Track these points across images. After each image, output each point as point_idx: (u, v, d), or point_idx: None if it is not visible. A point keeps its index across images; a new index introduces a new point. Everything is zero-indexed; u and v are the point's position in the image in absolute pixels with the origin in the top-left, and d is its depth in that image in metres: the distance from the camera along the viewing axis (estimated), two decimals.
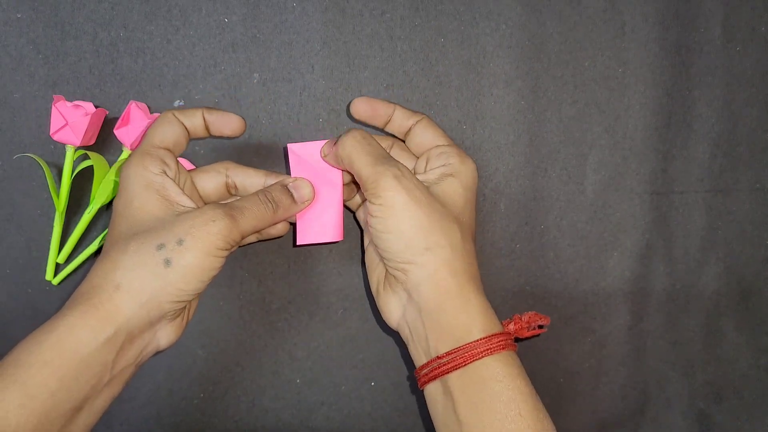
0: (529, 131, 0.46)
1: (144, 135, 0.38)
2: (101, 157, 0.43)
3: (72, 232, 0.44)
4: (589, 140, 0.47)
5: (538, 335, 0.41)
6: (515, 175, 0.46)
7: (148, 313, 0.34)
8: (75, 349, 0.32)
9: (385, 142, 0.43)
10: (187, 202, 0.36)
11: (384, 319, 0.40)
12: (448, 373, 0.36)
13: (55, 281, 0.44)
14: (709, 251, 0.48)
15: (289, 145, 0.42)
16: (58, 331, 0.32)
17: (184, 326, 0.38)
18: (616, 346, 0.48)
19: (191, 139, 0.39)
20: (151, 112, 0.44)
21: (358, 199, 0.44)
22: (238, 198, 0.39)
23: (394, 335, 0.47)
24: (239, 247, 0.44)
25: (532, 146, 0.46)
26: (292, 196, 0.40)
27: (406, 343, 0.40)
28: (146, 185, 0.36)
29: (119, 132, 0.43)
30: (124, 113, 0.42)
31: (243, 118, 0.40)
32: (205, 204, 0.37)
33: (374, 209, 0.37)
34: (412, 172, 0.39)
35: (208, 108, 0.39)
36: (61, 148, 0.44)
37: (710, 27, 0.47)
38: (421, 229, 0.36)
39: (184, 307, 0.37)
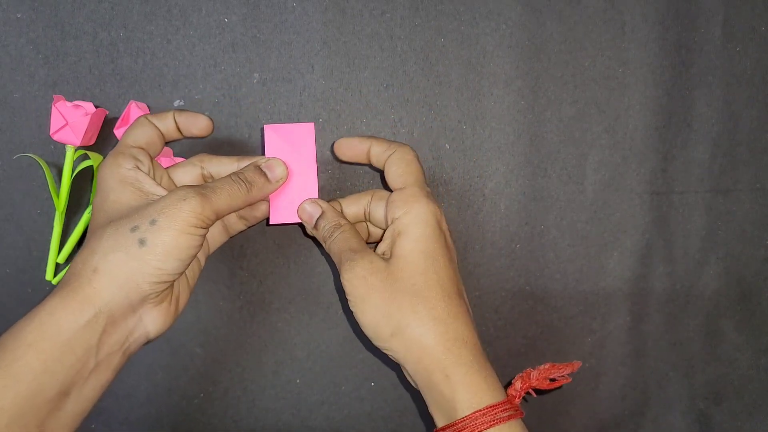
0: (529, 131, 0.46)
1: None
2: (101, 157, 0.43)
3: (72, 232, 0.44)
4: (589, 140, 0.47)
5: (560, 387, 0.38)
6: (515, 175, 0.46)
7: (128, 295, 0.34)
8: (57, 332, 0.32)
9: (365, 198, 0.42)
10: (161, 192, 0.37)
11: None
12: None
13: (55, 281, 0.44)
14: (709, 251, 0.48)
15: (265, 126, 0.41)
16: (39, 315, 0.33)
17: (173, 314, 0.38)
18: (616, 346, 0.48)
19: (167, 141, 0.40)
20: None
21: None
22: (212, 181, 0.39)
23: None
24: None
25: (532, 146, 0.46)
26: (265, 175, 0.39)
27: None
28: (120, 180, 0.37)
29: (119, 132, 0.43)
30: (124, 113, 0.42)
31: (210, 118, 0.40)
32: None
33: (348, 301, 0.38)
34: (372, 254, 0.38)
35: (179, 110, 0.40)
36: (61, 148, 0.44)
37: (710, 27, 0.47)
38: (383, 315, 0.36)
39: (168, 291, 0.37)
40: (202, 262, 0.41)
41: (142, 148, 0.38)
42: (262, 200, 0.41)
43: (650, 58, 0.46)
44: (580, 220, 0.47)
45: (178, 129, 0.40)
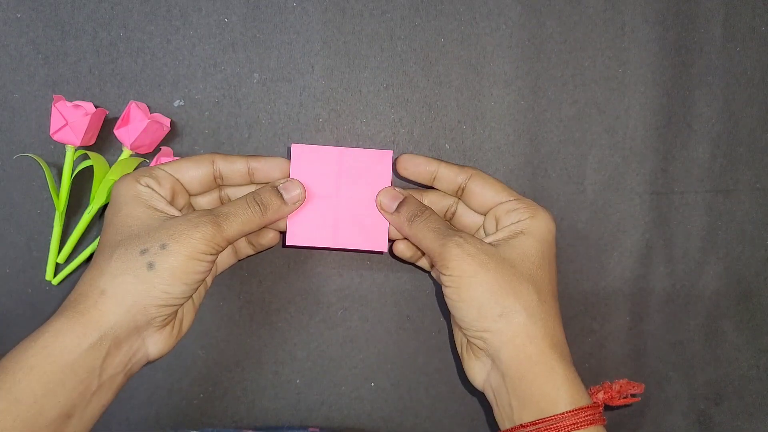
0: (529, 131, 0.46)
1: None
2: (101, 157, 0.43)
3: (72, 232, 0.44)
4: (589, 140, 0.47)
5: (629, 405, 0.39)
6: (515, 175, 0.46)
7: (134, 318, 0.34)
8: (60, 355, 0.32)
9: (446, 200, 0.42)
10: (174, 212, 0.37)
11: (469, 380, 0.40)
12: None
13: (55, 281, 0.44)
14: (709, 251, 0.48)
15: (293, 145, 0.41)
16: (43, 337, 0.32)
17: (175, 337, 0.38)
18: (616, 346, 0.48)
19: (224, 185, 0.41)
20: (151, 112, 0.44)
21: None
22: (226, 204, 0.39)
23: (395, 336, 0.47)
24: (238, 261, 0.44)
25: (532, 146, 0.46)
26: (281, 197, 0.39)
27: (491, 405, 0.39)
28: (135, 195, 0.36)
29: (119, 132, 0.43)
30: (124, 113, 0.42)
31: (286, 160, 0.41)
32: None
33: (445, 280, 0.37)
34: (475, 236, 0.38)
35: (253, 156, 0.40)
36: (61, 148, 0.44)
37: (710, 27, 0.47)
38: (492, 294, 0.35)
39: (173, 314, 0.37)
40: (209, 284, 0.41)
41: (173, 176, 0.38)
42: (279, 221, 0.41)
43: (650, 59, 0.46)
44: (580, 220, 0.47)
45: (248, 173, 0.40)
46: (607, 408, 0.38)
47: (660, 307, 0.48)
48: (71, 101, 0.42)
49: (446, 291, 0.37)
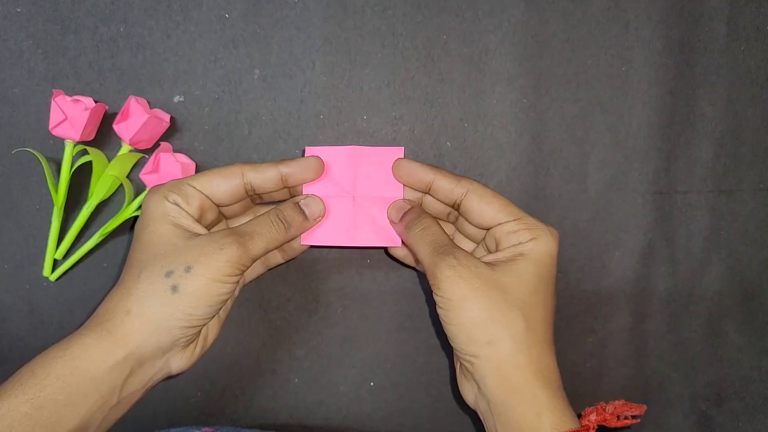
0: (531, 129, 0.46)
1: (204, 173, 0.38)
2: (100, 152, 0.43)
3: (70, 227, 0.44)
4: (591, 139, 0.46)
5: (628, 426, 0.38)
6: (517, 174, 0.46)
7: (159, 339, 0.34)
8: (86, 369, 0.33)
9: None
10: (201, 231, 0.37)
11: (462, 397, 0.40)
12: None
13: (53, 277, 0.44)
14: (712, 252, 0.48)
15: (306, 148, 0.42)
16: (72, 349, 0.33)
17: (198, 354, 0.38)
18: (618, 346, 0.48)
19: (257, 194, 0.40)
20: (150, 108, 0.44)
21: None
22: (250, 220, 0.39)
23: (394, 335, 0.46)
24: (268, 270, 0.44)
25: (534, 145, 0.46)
26: (303, 213, 0.40)
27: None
28: (162, 213, 0.36)
29: (118, 127, 0.42)
30: (123, 108, 0.42)
31: (319, 160, 0.40)
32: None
33: (437, 300, 0.36)
34: (471, 256, 0.37)
35: (284, 162, 0.39)
36: (60, 143, 0.44)
37: (714, 26, 0.46)
38: (482, 321, 0.35)
39: (198, 333, 0.37)
40: (236, 294, 0.42)
41: (205, 195, 0.38)
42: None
43: (654, 57, 0.46)
44: (582, 220, 0.47)
45: (282, 180, 0.39)
46: (604, 430, 0.38)
47: (662, 307, 0.48)
48: (71, 96, 0.42)
49: (438, 310, 0.37)
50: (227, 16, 0.44)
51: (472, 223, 0.40)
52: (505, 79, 0.46)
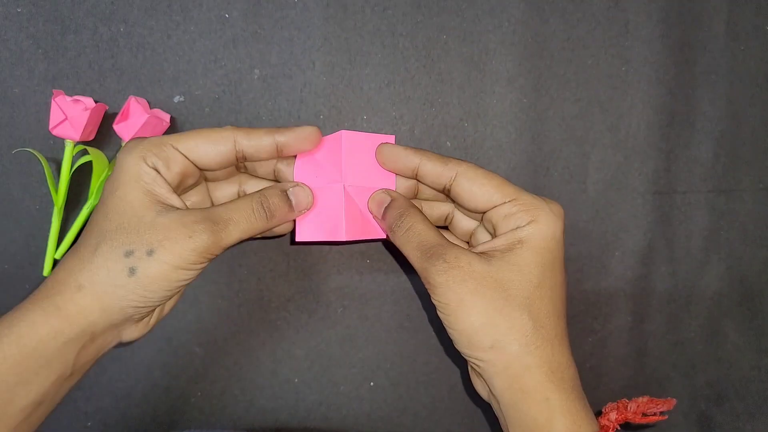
0: (531, 129, 0.46)
1: (189, 131, 0.35)
2: (100, 152, 0.43)
3: (70, 227, 0.44)
4: (591, 139, 0.46)
5: (653, 424, 0.37)
6: (517, 174, 0.46)
7: (110, 317, 0.33)
8: (35, 347, 0.31)
9: (446, 206, 0.39)
10: (175, 202, 0.34)
11: (476, 392, 0.38)
12: None
13: None
14: (712, 252, 0.48)
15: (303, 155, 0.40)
16: (19, 326, 0.31)
17: (152, 324, 0.37)
18: (618, 346, 0.48)
19: (246, 161, 0.37)
20: (150, 108, 0.44)
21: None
22: (229, 203, 0.36)
23: (394, 335, 0.46)
24: (239, 246, 0.43)
25: (533, 144, 0.46)
26: (290, 202, 0.37)
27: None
28: (136, 175, 0.34)
29: (119, 127, 0.42)
30: (123, 108, 0.42)
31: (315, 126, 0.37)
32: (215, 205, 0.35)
33: (435, 304, 0.35)
34: (466, 251, 0.34)
35: (279, 129, 0.36)
36: (60, 143, 0.44)
37: (714, 25, 0.46)
38: (483, 325, 0.33)
39: (153, 310, 0.36)
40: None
41: (186, 161, 0.35)
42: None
43: (653, 57, 0.46)
44: (582, 219, 0.47)
45: (277, 149, 0.36)
46: (629, 427, 0.36)
47: (661, 307, 0.48)
48: (71, 96, 0.42)
49: (438, 313, 0.35)
50: (227, 16, 0.44)
51: (466, 209, 0.37)
52: (504, 78, 0.46)
